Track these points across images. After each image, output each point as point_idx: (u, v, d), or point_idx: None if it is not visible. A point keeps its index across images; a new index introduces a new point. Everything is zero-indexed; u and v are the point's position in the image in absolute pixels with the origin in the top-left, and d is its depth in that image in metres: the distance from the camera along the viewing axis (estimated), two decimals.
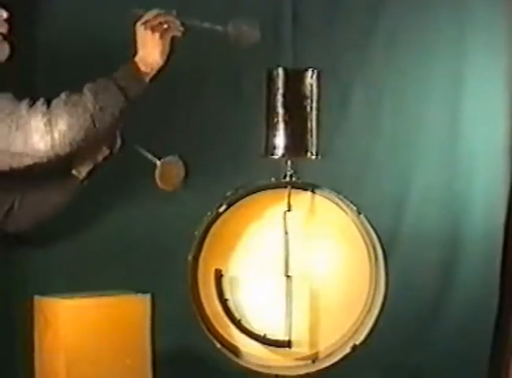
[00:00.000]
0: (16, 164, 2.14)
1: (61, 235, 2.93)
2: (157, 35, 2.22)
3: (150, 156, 2.49)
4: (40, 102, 2.12)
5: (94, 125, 2.13)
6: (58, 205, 2.54)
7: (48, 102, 2.12)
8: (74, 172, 2.48)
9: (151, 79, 2.24)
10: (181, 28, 2.26)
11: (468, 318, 3.40)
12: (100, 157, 2.48)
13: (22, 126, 2.09)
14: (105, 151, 2.46)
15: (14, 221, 2.51)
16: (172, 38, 2.26)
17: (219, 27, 2.34)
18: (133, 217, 3.08)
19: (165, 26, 2.24)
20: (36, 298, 2.74)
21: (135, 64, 2.22)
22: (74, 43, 2.88)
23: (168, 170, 2.48)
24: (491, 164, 3.42)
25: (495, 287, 3.42)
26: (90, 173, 2.49)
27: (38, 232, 2.72)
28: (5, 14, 2.29)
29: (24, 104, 2.12)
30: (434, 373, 3.38)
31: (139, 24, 2.24)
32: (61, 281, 2.99)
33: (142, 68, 2.22)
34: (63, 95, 2.14)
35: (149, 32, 2.22)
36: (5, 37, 2.30)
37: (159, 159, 2.48)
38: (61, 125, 2.09)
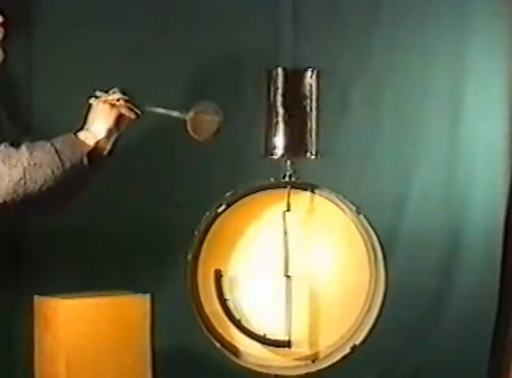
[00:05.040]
0: None
1: (61, 235, 2.93)
2: (106, 107, 2.26)
3: (176, 113, 2.39)
4: None
5: (25, 181, 2.13)
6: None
7: None
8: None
9: (99, 155, 2.24)
10: (135, 110, 2.29)
11: (468, 318, 3.39)
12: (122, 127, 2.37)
13: None
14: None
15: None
16: (124, 119, 2.28)
17: (182, 115, 2.37)
18: (133, 217, 3.08)
19: (116, 102, 2.27)
20: (36, 298, 2.73)
21: (75, 134, 2.24)
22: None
23: (199, 121, 2.39)
24: (491, 164, 3.42)
25: (495, 287, 3.42)
26: (114, 145, 2.35)
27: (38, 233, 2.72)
28: (0, 19, 2.28)
29: None
30: (434, 373, 3.38)
31: (93, 99, 2.29)
32: (61, 281, 2.99)
33: (82, 137, 2.24)
34: (2, 146, 2.15)
35: (100, 104, 2.27)
36: None
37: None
38: None
